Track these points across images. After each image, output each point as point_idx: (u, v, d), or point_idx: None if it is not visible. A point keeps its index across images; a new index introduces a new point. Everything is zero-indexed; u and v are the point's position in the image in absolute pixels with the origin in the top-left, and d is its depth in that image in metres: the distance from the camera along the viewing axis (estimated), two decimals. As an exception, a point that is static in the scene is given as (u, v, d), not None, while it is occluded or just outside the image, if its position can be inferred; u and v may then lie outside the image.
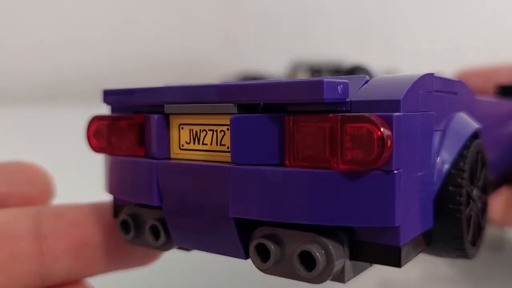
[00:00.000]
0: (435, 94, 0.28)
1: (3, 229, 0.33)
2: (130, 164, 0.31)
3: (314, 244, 0.24)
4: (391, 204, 0.23)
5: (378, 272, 0.54)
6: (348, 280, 0.26)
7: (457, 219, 0.28)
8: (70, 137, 1.00)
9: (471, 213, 0.30)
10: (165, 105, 0.29)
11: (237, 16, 1.32)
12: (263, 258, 0.26)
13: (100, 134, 0.33)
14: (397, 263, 0.24)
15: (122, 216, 0.33)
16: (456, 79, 0.33)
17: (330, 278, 0.25)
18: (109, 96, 0.34)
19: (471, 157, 0.30)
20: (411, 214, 0.25)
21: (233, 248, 0.27)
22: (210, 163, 0.27)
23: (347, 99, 0.24)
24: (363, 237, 0.25)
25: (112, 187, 0.34)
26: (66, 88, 1.30)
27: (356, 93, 0.25)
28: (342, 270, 0.25)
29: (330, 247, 0.24)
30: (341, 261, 0.25)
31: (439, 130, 0.29)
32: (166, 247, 0.31)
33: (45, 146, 0.98)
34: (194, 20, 1.31)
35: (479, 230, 0.32)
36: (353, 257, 0.25)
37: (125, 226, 0.33)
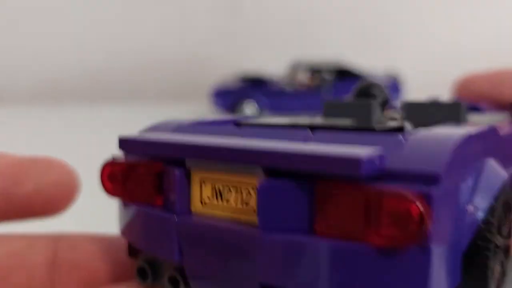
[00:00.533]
0: (470, 153, 0.27)
1: (21, 256, 0.34)
2: (148, 215, 0.30)
3: None
4: (425, 280, 0.22)
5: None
6: None
7: (484, 273, 0.28)
8: (72, 136, 1.00)
9: (497, 263, 0.30)
10: (186, 160, 0.28)
11: (238, 16, 1.32)
12: None
13: (115, 179, 0.32)
14: None
15: (140, 262, 0.32)
16: (487, 128, 0.32)
17: None
18: (125, 143, 0.32)
19: (499, 210, 0.29)
20: (442, 280, 0.25)
21: None
22: (236, 227, 0.26)
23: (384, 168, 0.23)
24: None
25: (127, 233, 0.33)
26: (67, 87, 1.30)
27: (392, 158, 0.24)
28: None
29: None
30: None
31: (470, 184, 0.29)
32: None
33: (46, 146, 0.98)
34: (195, 20, 1.31)
35: (502, 275, 0.32)
36: None
37: (142, 273, 0.32)
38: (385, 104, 0.50)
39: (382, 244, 0.22)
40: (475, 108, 0.55)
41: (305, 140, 0.27)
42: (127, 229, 0.33)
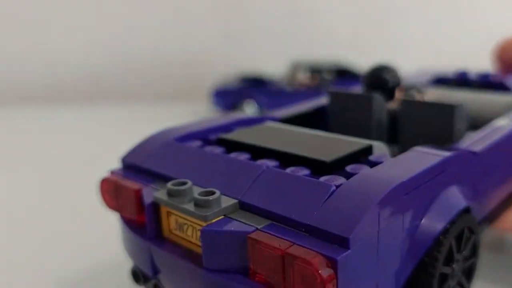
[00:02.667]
0: (406, 197, 0.28)
1: None
2: (130, 234, 0.33)
3: None
4: None
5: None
6: None
7: None
8: (73, 137, 1.00)
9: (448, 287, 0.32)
10: (154, 195, 0.30)
11: (237, 16, 1.32)
12: None
13: (110, 195, 0.34)
14: None
15: (133, 267, 0.35)
16: (443, 158, 0.32)
17: None
18: (122, 161, 0.36)
19: (448, 243, 0.30)
20: None
21: None
22: (190, 260, 0.29)
23: (305, 222, 0.25)
24: None
25: (123, 244, 0.36)
26: (71, 88, 1.30)
27: (316, 212, 0.26)
28: None
29: None
30: None
31: (416, 219, 0.29)
32: None
33: (49, 146, 0.98)
34: (194, 20, 1.31)
35: None
36: None
37: (135, 275, 0.35)
38: (393, 90, 0.50)
39: None
40: (504, 87, 0.53)
41: (245, 189, 0.29)
42: (123, 240, 0.35)
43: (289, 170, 0.30)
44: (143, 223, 0.32)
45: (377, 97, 0.44)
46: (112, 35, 1.30)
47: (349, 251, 0.23)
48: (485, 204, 0.39)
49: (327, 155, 0.31)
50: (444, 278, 0.31)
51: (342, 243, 0.23)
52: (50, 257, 0.58)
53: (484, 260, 0.54)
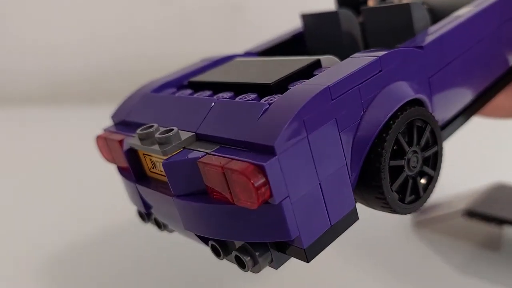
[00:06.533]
0: (334, 101, 0.28)
1: None
2: (123, 180, 0.37)
3: (242, 250, 0.30)
4: (283, 225, 0.26)
5: (373, 269, 0.55)
6: (279, 267, 0.31)
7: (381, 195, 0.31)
8: (73, 138, 1.01)
9: (408, 174, 0.33)
10: (128, 141, 0.33)
11: (238, 17, 1.33)
12: (216, 253, 0.32)
13: (105, 149, 0.37)
14: (305, 260, 0.28)
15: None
16: (376, 58, 0.31)
17: (265, 267, 0.30)
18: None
19: (392, 138, 0.31)
20: (314, 218, 0.28)
21: (197, 240, 0.33)
22: (162, 194, 0.32)
23: (242, 140, 0.27)
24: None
25: (126, 192, 0.39)
26: (69, 89, 1.30)
27: (251, 129, 0.27)
28: (271, 261, 0.30)
29: (253, 251, 0.29)
30: (268, 256, 0.30)
31: (354, 120, 0.30)
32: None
33: (49, 147, 0.99)
34: (196, 22, 1.32)
35: (416, 192, 0.34)
36: (280, 251, 0.30)
37: (140, 215, 0.38)
38: (364, 3, 0.49)
39: (242, 205, 0.26)
40: None
41: (200, 121, 0.31)
42: (124, 189, 0.38)
43: (238, 98, 0.31)
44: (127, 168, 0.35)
45: (344, 12, 0.43)
46: (114, 36, 1.31)
47: (276, 157, 0.25)
48: (455, 95, 0.39)
49: (271, 78, 0.32)
50: (399, 169, 0.32)
51: (269, 151, 0.25)
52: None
53: (481, 259, 0.55)
